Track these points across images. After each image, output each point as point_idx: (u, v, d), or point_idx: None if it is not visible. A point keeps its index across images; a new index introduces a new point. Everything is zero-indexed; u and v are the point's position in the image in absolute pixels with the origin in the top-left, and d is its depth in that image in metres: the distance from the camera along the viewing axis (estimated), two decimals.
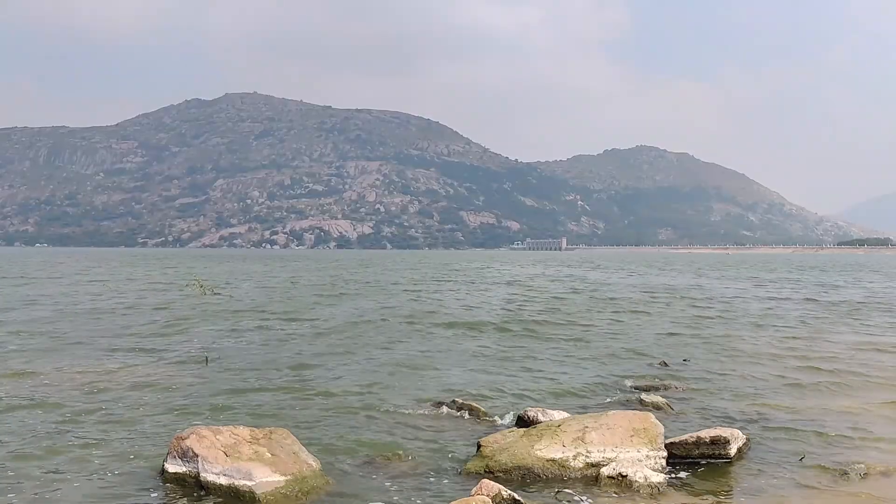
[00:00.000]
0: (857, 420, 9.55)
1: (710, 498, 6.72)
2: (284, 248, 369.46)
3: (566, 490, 6.77)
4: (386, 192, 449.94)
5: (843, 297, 32.75)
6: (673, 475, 7.23)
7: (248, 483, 6.51)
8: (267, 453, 6.88)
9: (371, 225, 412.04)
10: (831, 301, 30.00)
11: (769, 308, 26.49)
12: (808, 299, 30.98)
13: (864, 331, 19.33)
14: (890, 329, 19.78)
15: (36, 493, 6.65)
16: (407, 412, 9.83)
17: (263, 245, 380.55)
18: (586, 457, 7.26)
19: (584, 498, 6.58)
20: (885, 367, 13.75)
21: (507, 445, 7.48)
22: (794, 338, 17.85)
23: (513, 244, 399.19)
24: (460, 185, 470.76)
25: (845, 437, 8.74)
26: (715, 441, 7.64)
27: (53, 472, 7.19)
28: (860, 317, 22.69)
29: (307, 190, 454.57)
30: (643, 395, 10.49)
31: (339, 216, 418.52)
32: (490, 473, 7.11)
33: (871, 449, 8.24)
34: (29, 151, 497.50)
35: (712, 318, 22.69)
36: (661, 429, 7.67)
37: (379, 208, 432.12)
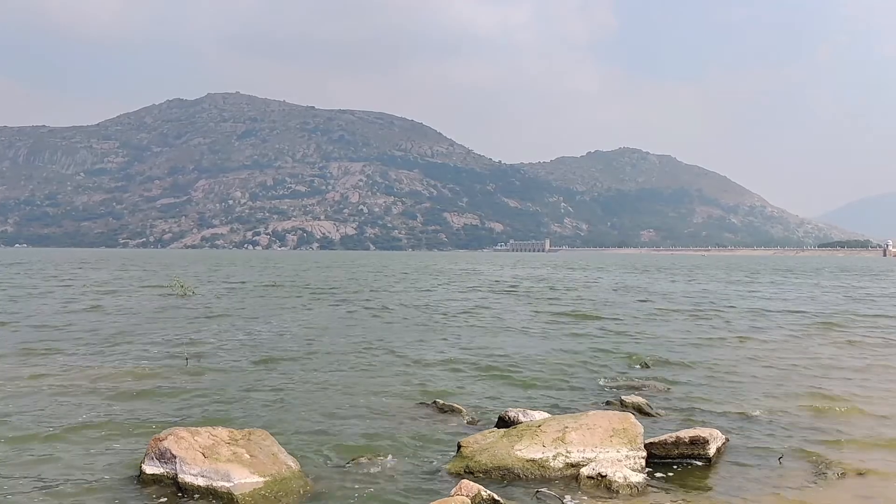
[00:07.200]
0: (835, 422, 9.63)
1: (689, 498, 6.74)
2: (267, 248, 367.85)
3: (546, 490, 6.77)
4: (369, 193, 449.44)
5: (824, 301, 33.07)
6: (652, 475, 7.25)
7: (227, 484, 6.46)
8: (245, 454, 6.83)
9: (354, 226, 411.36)
10: (811, 307, 30.27)
11: (750, 311, 26.67)
12: (788, 303, 31.25)
13: (845, 336, 19.47)
14: (869, 333, 19.99)
15: (13, 497, 6.56)
16: (387, 413, 9.81)
17: (245, 246, 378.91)
18: (566, 457, 7.27)
19: (563, 498, 6.58)
20: (865, 370, 13.89)
21: (488, 446, 7.48)
22: (774, 341, 18.00)
23: (496, 246, 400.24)
24: (444, 186, 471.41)
25: (823, 438, 8.81)
26: (694, 441, 7.68)
27: (30, 476, 7.10)
28: (840, 323, 22.85)
29: (290, 191, 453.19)
30: (623, 396, 10.51)
31: (322, 217, 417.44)
32: (470, 474, 7.10)
33: (849, 450, 8.31)
34: (8, 151, 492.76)
35: (693, 320, 22.82)
36: (641, 429, 7.70)
37: (362, 209, 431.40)
